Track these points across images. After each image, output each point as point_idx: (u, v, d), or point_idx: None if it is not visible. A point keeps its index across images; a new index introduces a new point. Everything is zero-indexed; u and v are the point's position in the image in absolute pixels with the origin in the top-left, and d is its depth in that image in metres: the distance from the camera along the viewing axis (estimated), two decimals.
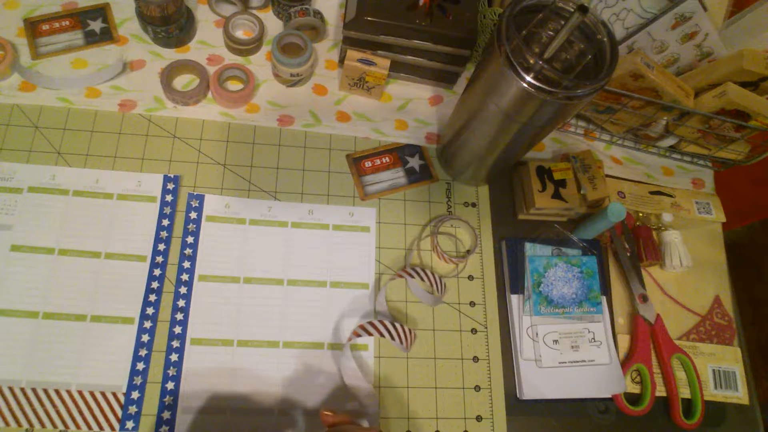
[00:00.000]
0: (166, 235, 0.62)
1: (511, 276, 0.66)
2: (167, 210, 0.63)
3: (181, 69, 0.69)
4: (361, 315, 0.62)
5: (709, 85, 0.67)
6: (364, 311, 0.63)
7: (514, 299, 0.65)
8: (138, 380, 0.56)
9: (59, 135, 0.65)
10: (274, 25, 0.76)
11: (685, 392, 0.65)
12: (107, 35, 0.71)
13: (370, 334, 0.57)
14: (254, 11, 0.76)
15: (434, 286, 0.62)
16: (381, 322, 0.57)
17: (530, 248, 0.67)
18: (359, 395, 0.58)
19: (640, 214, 0.73)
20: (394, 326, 0.58)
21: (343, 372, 0.59)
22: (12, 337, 0.56)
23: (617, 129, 0.76)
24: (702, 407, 0.63)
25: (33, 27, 0.70)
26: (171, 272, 0.61)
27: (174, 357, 0.58)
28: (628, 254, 0.68)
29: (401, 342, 0.57)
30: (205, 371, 0.58)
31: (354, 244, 0.65)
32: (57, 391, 0.55)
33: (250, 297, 0.61)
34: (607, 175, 0.74)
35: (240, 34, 0.74)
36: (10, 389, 0.54)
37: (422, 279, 0.61)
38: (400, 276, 0.62)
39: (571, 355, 0.63)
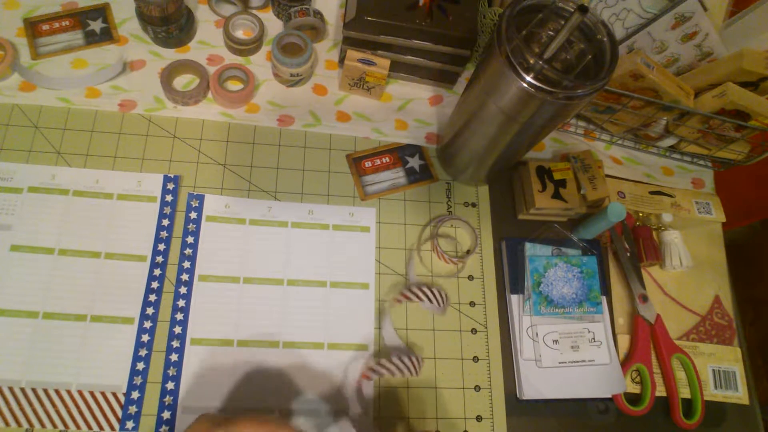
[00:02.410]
0: (166, 235, 0.62)
1: (511, 276, 0.66)
2: (167, 210, 0.63)
3: (181, 69, 0.69)
4: (360, 315, 0.62)
5: (709, 85, 0.67)
6: (364, 311, 0.63)
7: (514, 299, 0.65)
8: (138, 380, 0.56)
9: (59, 135, 0.65)
10: (274, 25, 0.76)
11: (685, 392, 0.65)
12: (107, 35, 0.71)
13: (381, 375, 0.57)
14: (254, 11, 0.76)
15: (435, 302, 0.61)
16: (389, 361, 0.57)
17: (530, 248, 0.67)
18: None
19: (640, 214, 0.73)
20: (402, 360, 0.57)
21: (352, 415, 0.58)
22: (12, 337, 0.56)
23: (617, 129, 0.76)
24: (702, 407, 0.63)
25: (33, 27, 0.70)
26: (171, 272, 0.61)
27: (174, 357, 0.58)
28: (628, 254, 0.68)
29: (410, 373, 0.57)
30: (205, 371, 0.58)
31: (354, 244, 0.65)
32: (57, 391, 0.55)
33: (250, 297, 0.61)
34: (607, 175, 0.74)
35: (240, 34, 0.74)
36: (10, 389, 0.54)
37: (421, 299, 0.61)
38: (399, 301, 0.62)
39: (571, 355, 0.63)
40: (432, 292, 0.61)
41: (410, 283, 0.65)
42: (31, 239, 0.60)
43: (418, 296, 0.61)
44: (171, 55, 0.72)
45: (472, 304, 0.65)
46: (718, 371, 0.67)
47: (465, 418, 0.60)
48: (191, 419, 0.55)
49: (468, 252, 0.67)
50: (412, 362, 0.57)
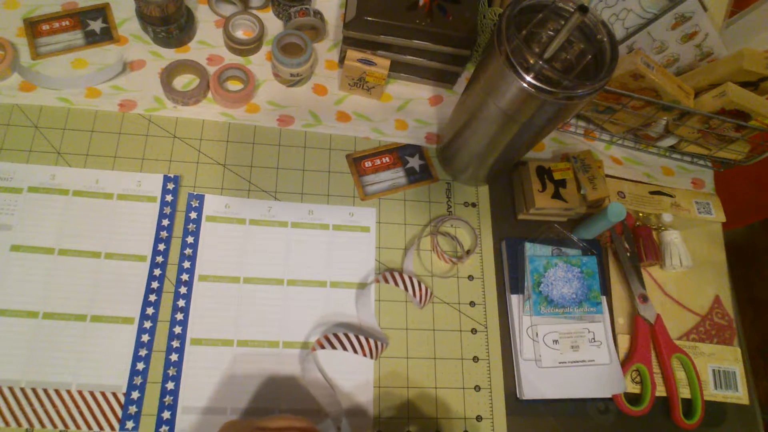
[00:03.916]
0: (166, 235, 0.62)
1: (511, 276, 0.66)
2: (167, 210, 0.63)
3: (181, 69, 0.69)
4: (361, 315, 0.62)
5: (709, 85, 0.67)
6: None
7: (514, 299, 0.65)
8: (138, 380, 0.56)
9: (59, 135, 0.65)
10: (274, 25, 0.76)
11: (685, 392, 0.65)
12: (107, 35, 0.71)
13: (339, 346, 0.57)
14: (254, 11, 0.76)
15: (412, 291, 0.61)
16: (338, 336, 0.57)
17: (530, 248, 0.66)
18: (321, 399, 0.58)
19: (640, 214, 0.73)
20: (352, 340, 0.57)
21: (306, 376, 0.58)
22: (12, 337, 0.56)
23: (617, 129, 0.76)
24: (702, 407, 0.63)
25: (33, 27, 0.70)
26: (171, 272, 0.61)
27: (174, 357, 0.58)
28: (628, 254, 0.68)
29: (365, 355, 0.57)
30: (205, 371, 0.58)
31: (354, 244, 0.65)
32: (57, 391, 0.55)
33: (250, 297, 0.61)
34: (607, 175, 0.74)
35: (240, 34, 0.74)
36: (10, 389, 0.54)
37: (397, 284, 0.61)
38: (377, 281, 0.62)
39: (571, 355, 0.63)
40: (412, 282, 0.61)
41: (400, 270, 0.65)
42: (31, 239, 0.60)
43: (396, 282, 0.60)
44: (171, 55, 0.72)
45: (472, 304, 0.65)
46: (718, 371, 0.67)
47: (465, 418, 0.60)
48: (191, 419, 0.55)
49: (468, 252, 0.67)
50: (370, 344, 0.57)
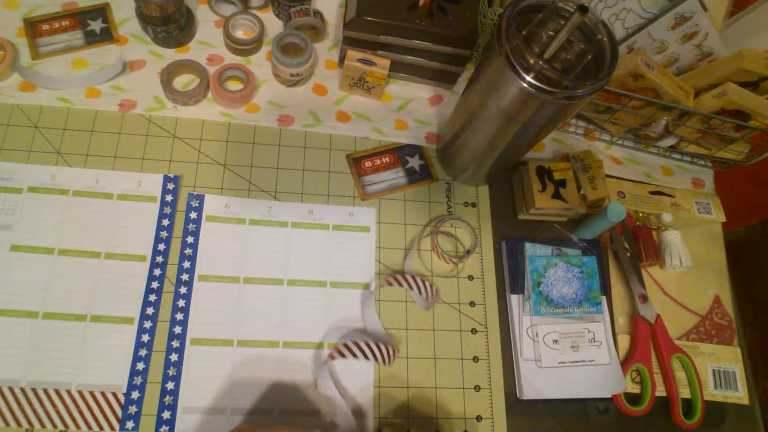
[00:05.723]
0: (166, 235, 0.62)
1: (511, 276, 0.66)
2: (167, 210, 0.63)
3: (181, 69, 0.69)
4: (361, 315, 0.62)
5: (709, 85, 0.67)
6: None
7: (514, 299, 0.65)
8: (138, 380, 0.56)
9: (59, 135, 0.65)
10: (274, 25, 0.76)
11: (685, 392, 0.65)
12: (107, 35, 0.71)
13: (350, 355, 0.56)
14: (254, 11, 0.76)
15: (423, 293, 0.61)
16: (356, 343, 0.57)
17: (530, 248, 0.67)
18: (336, 413, 0.58)
19: (640, 214, 0.73)
20: (370, 347, 0.57)
21: (320, 389, 0.58)
22: (12, 337, 0.56)
23: (617, 129, 0.76)
24: (702, 407, 0.63)
25: (33, 27, 0.70)
26: (171, 272, 0.61)
27: (174, 357, 0.58)
28: (628, 254, 0.68)
29: (383, 362, 0.57)
30: (205, 371, 0.58)
31: (354, 244, 0.65)
32: (57, 391, 0.55)
33: (250, 297, 0.61)
34: (607, 175, 0.74)
35: (240, 34, 0.74)
36: (10, 389, 0.54)
37: (410, 286, 0.61)
38: (389, 283, 0.62)
39: (571, 355, 0.63)
40: (421, 282, 0.61)
41: (403, 270, 0.65)
42: (31, 239, 0.60)
43: (408, 282, 0.60)
44: (171, 55, 0.72)
45: (472, 304, 0.65)
46: (718, 371, 0.67)
47: (465, 418, 0.60)
48: (191, 419, 0.55)
49: (468, 252, 0.67)
50: (383, 350, 0.57)
